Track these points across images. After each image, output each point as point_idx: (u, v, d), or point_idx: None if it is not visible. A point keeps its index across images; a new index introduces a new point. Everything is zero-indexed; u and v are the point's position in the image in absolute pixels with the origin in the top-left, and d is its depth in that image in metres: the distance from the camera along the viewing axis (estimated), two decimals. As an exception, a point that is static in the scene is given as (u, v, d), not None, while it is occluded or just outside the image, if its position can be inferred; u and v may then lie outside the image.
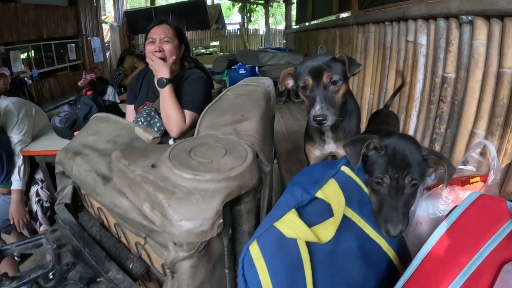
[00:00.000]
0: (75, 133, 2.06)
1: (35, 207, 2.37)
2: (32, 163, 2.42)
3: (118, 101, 3.87)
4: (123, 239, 0.97)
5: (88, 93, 2.42)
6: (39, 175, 2.45)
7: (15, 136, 2.32)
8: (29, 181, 2.41)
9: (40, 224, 2.38)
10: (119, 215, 0.78)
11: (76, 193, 1.14)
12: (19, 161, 2.30)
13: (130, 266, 0.90)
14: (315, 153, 1.40)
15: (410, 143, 0.87)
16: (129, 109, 1.96)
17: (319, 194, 0.77)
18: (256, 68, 4.69)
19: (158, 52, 1.71)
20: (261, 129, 1.03)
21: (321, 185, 0.79)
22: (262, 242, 0.70)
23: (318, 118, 1.06)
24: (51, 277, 0.90)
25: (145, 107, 1.77)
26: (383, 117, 1.66)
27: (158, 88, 1.69)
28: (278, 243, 0.70)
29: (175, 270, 0.68)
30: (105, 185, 0.81)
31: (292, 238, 0.70)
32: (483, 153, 1.44)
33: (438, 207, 1.17)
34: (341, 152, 1.33)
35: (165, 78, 1.65)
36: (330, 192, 0.79)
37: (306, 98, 1.14)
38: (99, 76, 3.95)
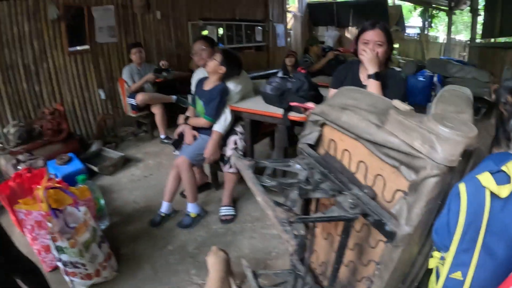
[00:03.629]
0: (294, 103, 2.65)
1: (230, 152, 3.06)
2: (235, 117, 3.12)
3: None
4: (359, 175, 1.45)
5: (303, 71, 2.96)
6: (239, 128, 3.14)
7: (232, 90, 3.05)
8: (229, 131, 3.10)
9: (230, 166, 3.08)
10: (385, 152, 1.26)
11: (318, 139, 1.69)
12: (226, 111, 3.01)
13: (364, 191, 1.34)
14: None
15: None
16: (332, 92, 2.37)
17: (503, 168, 1.10)
18: (435, 78, 4.85)
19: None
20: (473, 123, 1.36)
21: (505, 162, 1.11)
22: (468, 184, 1.09)
23: None
24: (307, 182, 1.43)
25: None
26: None
27: (366, 80, 2.10)
28: (475, 188, 1.08)
29: (419, 187, 1.13)
30: (378, 129, 1.28)
31: (484, 187, 1.07)
32: None
33: None
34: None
35: (375, 73, 2.04)
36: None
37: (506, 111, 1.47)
38: (296, 58, 4.67)
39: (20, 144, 3.74)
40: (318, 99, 2.86)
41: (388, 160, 1.26)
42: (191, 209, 3.06)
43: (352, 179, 1.44)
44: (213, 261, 2.02)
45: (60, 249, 2.15)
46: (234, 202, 3.31)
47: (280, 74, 3.77)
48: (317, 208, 1.85)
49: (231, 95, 3.04)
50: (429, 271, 1.28)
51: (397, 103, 1.34)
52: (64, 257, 2.19)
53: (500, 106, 1.46)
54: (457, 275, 1.11)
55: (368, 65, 2.07)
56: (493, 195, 1.07)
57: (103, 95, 4.97)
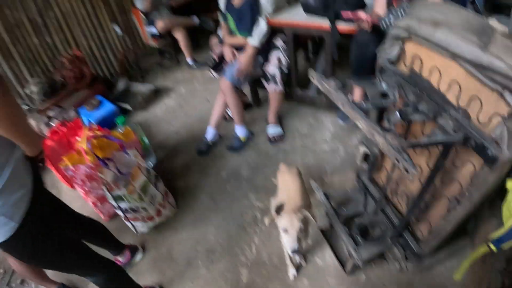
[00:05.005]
0: (345, 13, 2.38)
1: (274, 70, 2.90)
2: (274, 30, 2.90)
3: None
4: (450, 95, 1.37)
5: None
6: (279, 42, 2.93)
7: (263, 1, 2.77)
8: (270, 46, 2.92)
9: (275, 84, 2.93)
10: (489, 76, 1.17)
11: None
12: (261, 22, 2.76)
13: (460, 112, 1.26)
14: None
15: None
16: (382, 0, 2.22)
17: None
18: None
19: None
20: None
21: None
22: None
23: None
24: (406, 106, 1.32)
25: (402, 2, 1.99)
26: None
27: None
28: None
29: None
30: (483, 51, 1.17)
31: None
32: None
33: None
34: None
35: None
36: None
37: None
38: None
39: (46, 100, 3.62)
40: (363, 6, 2.60)
41: (490, 83, 1.17)
42: (240, 131, 3.05)
43: (443, 99, 1.36)
44: (288, 177, 2.03)
45: (118, 198, 2.16)
46: (280, 120, 3.26)
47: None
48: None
49: (264, 7, 2.77)
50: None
51: (494, 23, 1.22)
52: (124, 204, 2.19)
53: None
54: None
55: None
56: None
57: (119, 31, 4.69)
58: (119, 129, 2.75)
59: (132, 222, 2.33)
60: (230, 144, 3.06)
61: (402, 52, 1.56)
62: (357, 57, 2.41)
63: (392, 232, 1.80)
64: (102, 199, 2.45)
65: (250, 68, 2.86)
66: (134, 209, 2.24)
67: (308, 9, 2.82)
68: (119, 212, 2.27)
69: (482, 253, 1.36)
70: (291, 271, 2.03)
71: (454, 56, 1.27)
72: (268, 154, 2.98)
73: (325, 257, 2.10)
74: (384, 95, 1.44)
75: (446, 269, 1.93)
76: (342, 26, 2.55)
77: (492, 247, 1.30)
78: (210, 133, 3.06)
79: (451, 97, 1.35)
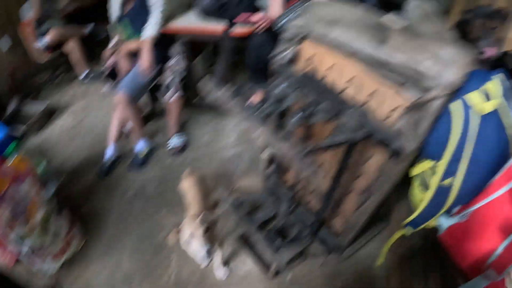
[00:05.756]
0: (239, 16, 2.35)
1: (172, 78, 2.76)
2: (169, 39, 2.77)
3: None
4: (350, 90, 1.41)
5: None
6: (175, 50, 2.80)
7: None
8: (165, 56, 2.77)
9: (172, 94, 2.79)
10: (391, 69, 1.22)
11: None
12: (155, 13, 2.57)
13: (361, 108, 1.28)
14: None
15: None
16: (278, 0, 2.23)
17: (484, 87, 1.20)
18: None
19: None
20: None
21: (485, 82, 1.21)
22: (457, 105, 1.19)
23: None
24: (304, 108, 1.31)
25: (298, 2, 2.05)
26: None
27: None
28: (464, 109, 1.19)
29: (423, 108, 1.19)
30: (380, 46, 1.23)
31: (471, 106, 1.18)
32: None
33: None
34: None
35: None
36: (491, 87, 1.21)
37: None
38: None
39: None
40: (258, 8, 2.60)
41: (390, 77, 1.24)
42: (141, 146, 2.86)
43: (343, 98, 1.40)
44: (189, 184, 1.97)
45: (18, 238, 1.86)
46: (182, 129, 3.13)
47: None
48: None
49: (160, 5, 2.60)
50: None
51: (387, 18, 1.27)
52: (26, 243, 1.89)
53: (469, 27, 1.69)
54: (448, 181, 1.26)
55: None
56: (477, 111, 1.18)
57: (5, 46, 4.21)
58: (10, 158, 2.45)
59: (38, 263, 2.04)
60: (133, 161, 2.86)
61: (299, 52, 1.56)
62: (253, 59, 2.42)
63: (308, 231, 1.83)
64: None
65: (153, 66, 2.66)
66: (38, 247, 1.95)
67: (203, 12, 2.75)
68: (22, 254, 1.96)
69: (398, 236, 1.45)
70: (218, 272, 2.00)
71: (352, 54, 1.31)
72: (173, 166, 2.85)
73: (248, 264, 2.06)
74: (282, 97, 1.43)
75: (369, 254, 2.02)
76: (238, 29, 2.53)
77: (408, 230, 1.41)
78: (110, 152, 2.81)
79: (352, 94, 1.39)
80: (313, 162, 1.07)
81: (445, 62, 1.12)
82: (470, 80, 1.24)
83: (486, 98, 1.20)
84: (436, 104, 1.16)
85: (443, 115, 1.22)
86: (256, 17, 2.23)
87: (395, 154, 1.26)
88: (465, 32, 1.85)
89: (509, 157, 1.22)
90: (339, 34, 1.32)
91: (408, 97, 1.20)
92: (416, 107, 1.18)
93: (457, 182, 1.25)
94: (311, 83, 1.45)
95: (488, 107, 1.19)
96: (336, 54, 1.38)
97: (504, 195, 1.19)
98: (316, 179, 1.07)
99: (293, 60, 1.59)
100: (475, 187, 1.26)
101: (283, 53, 1.57)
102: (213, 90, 1.38)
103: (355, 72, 1.34)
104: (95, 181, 2.78)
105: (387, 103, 1.28)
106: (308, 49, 1.51)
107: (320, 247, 1.88)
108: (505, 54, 1.87)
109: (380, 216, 2.03)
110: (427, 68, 1.12)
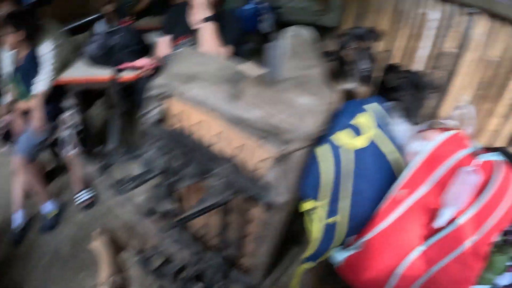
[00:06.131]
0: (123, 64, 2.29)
1: (66, 133, 2.61)
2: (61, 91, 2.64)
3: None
4: (218, 146, 1.38)
5: (128, 22, 2.63)
6: (68, 103, 2.64)
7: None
8: (58, 110, 2.63)
9: (70, 148, 2.65)
10: (249, 124, 1.21)
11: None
12: (45, 68, 2.49)
13: (230, 164, 1.31)
14: None
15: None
16: (164, 41, 2.21)
17: (354, 122, 1.27)
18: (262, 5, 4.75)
19: None
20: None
21: (355, 116, 1.29)
22: (324, 147, 1.23)
23: (363, 70, 1.73)
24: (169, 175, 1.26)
25: (184, 40, 2.07)
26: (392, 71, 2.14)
27: (198, 24, 1.95)
28: (333, 149, 1.22)
29: (288, 159, 1.17)
30: (236, 102, 1.22)
31: (341, 146, 1.22)
32: (462, 113, 1.92)
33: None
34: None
35: (208, 16, 1.91)
36: (363, 120, 1.28)
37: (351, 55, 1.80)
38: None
39: None
40: (147, 51, 2.62)
41: (252, 132, 1.23)
42: (49, 207, 2.69)
43: (212, 153, 1.38)
44: (99, 245, 1.88)
45: None
46: (89, 181, 2.94)
47: (102, 26, 3.35)
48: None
49: (46, 57, 2.51)
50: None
51: (246, 67, 1.28)
52: None
53: (344, 51, 1.77)
54: (334, 219, 1.30)
55: (199, 8, 1.92)
56: (348, 149, 1.23)
57: None
58: None
59: None
60: (43, 224, 2.67)
61: (166, 110, 1.52)
62: (140, 104, 2.37)
63: (219, 274, 1.81)
64: None
65: (46, 123, 2.53)
66: None
67: (91, 60, 2.67)
68: None
69: (302, 271, 1.51)
70: None
71: (213, 111, 1.29)
72: (85, 223, 2.70)
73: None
74: (151, 164, 1.39)
75: (289, 276, 2.03)
76: (126, 75, 2.44)
77: (309, 264, 1.47)
78: (18, 218, 2.60)
79: (221, 148, 1.37)
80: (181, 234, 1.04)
81: (300, 114, 1.13)
82: (340, 116, 1.30)
83: (356, 133, 1.25)
84: (299, 155, 1.17)
85: (312, 160, 1.25)
86: (140, 62, 2.19)
87: (268, 206, 1.26)
88: (341, 57, 1.93)
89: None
90: (196, 92, 1.30)
91: (271, 150, 1.20)
92: (281, 159, 1.19)
93: (342, 218, 1.29)
94: (180, 142, 1.42)
95: (360, 142, 1.24)
96: (200, 111, 1.36)
97: (393, 223, 1.23)
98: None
99: (162, 119, 1.54)
100: (365, 218, 1.30)
101: (151, 113, 1.52)
102: (85, 165, 1.33)
103: (221, 127, 1.33)
104: (8, 252, 2.57)
105: (256, 155, 1.28)
106: (175, 107, 1.48)
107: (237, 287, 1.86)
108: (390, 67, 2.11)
109: (294, 240, 2.04)
110: (283, 121, 1.13)
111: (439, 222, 1.14)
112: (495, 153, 1.20)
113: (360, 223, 1.32)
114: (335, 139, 1.23)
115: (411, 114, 1.66)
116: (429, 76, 2.33)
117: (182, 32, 2.12)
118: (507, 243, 1.22)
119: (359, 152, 1.24)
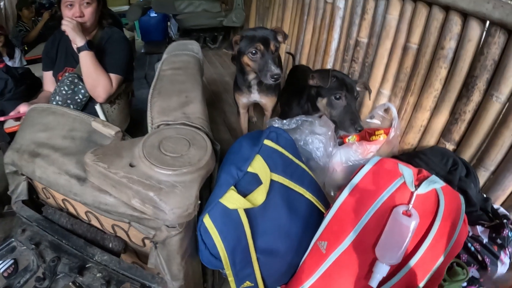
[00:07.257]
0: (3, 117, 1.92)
1: None
2: None
3: (25, 62, 3.62)
4: (94, 222, 1.10)
5: (1, 65, 2.27)
6: None
7: None
8: None
9: None
10: (106, 210, 0.93)
11: (30, 188, 1.19)
12: None
13: (110, 245, 1.05)
14: (243, 100, 1.83)
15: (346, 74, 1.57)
16: (48, 76, 1.93)
17: (249, 169, 1.05)
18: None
19: (79, 17, 1.69)
20: (204, 106, 1.22)
21: (250, 162, 1.06)
22: (213, 215, 0.98)
23: (275, 76, 1.46)
24: (42, 276, 0.97)
25: (66, 74, 1.78)
26: (301, 72, 2.00)
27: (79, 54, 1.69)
28: (224, 215, 0.98)
29: (165, 244, 0.89)
30: (82, 185, 0.93)
31: (234, 209, 0.98)
32: (386, 110, 1.86)
33: (350, 158, 1.59)
34: (263, 101, 1.79)
35: (86, 42, 1.65)
36: (258, 166, 1.06)
37: (255, 62, 1.53)
38: (5, 35, 3.56)
39: None
40: (36, 88, 2.32)
41: (114, 216, 0.97)
42: None
43: (89, 234, 1.07)
44: None
45: None
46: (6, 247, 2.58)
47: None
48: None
49: None
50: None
51: (97, 125, 1.05)
52: None
53: (248, 56, 1.55)
54: (246, 284, 1.07)
55: (74, 37, 1.64)
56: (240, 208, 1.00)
57: None
58: None
59: None
60: None
61: (31, 186, 1.18)
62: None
63: None
64: None
65: None
66: None
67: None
68: None
69: None
70: None
71: (65, 194, 1.00)
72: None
73: None
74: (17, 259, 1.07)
75: None
76: (11, 125, 2.06)
77: None
78: None
79: (96, 224, 1.08)
80: None
81: (158, 195, 0.83)
82: (228, 165, 1.09)
83: (253, 185, 1.05)
84: (176, 242, 0.89)
85: (203, 232, 1.00)
86: (23, 108, 1.89)
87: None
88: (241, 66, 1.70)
89: (313, 219, 1.13)
90: (41, 174, 1.00)
91: (141, 235, 0.96)
92: (158, 241, 0.90)
93: (258, 280, 1.06)
94: (51, 227, 1.08)
95: (259, 196, 1.03)
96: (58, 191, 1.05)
97: (321, 278, 1.02)
98: None
99: (30, 195, 1.19)
100: (285, 273, 1.11)
101: (14, 193, 1.17)
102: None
103: (86, 207, 1.03)
104: None
105: (133, 234, 1.01)
106: (36, 183, 1.16)
107: None
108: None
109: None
110: (140, 208, 0.86)
111: (372, 282, 0.91)
112: (431, 178, 0.98)
113: (281, 279, 1.11)
114: (225, 203, 0.99)
115: (342, 124, 1.51)
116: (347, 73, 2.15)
117: (68, 62, 1.86)
118: (459, 265, 1.09)
119: (260, 208, 1.02)
